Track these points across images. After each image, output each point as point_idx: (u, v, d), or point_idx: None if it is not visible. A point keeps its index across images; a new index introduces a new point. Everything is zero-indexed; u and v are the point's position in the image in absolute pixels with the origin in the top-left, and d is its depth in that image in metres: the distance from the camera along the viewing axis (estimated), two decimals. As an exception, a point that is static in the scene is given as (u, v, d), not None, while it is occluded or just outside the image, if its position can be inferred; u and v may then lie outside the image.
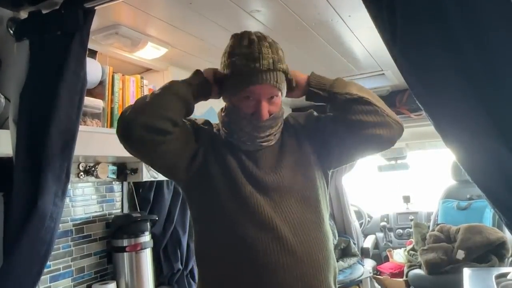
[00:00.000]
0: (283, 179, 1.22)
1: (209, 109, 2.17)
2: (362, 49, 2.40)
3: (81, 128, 1.35)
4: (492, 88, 0.78)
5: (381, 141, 1.24)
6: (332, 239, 1.26)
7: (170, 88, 1.19)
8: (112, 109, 1.85)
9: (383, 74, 3.09)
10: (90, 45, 1.48)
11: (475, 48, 0.78)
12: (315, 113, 1.39)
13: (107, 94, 1.83)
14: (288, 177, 1.23)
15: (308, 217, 1.20)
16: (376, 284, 3.85)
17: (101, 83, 1.83)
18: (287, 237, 1.13)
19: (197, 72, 1.24)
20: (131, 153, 1.20)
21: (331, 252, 1.22)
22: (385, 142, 1.26)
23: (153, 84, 2.14)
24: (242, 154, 1.24)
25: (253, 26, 1.84)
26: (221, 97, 1.30)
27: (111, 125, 1.83)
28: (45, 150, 1.17)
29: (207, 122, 1.35)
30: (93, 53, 1.83)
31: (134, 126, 1.13)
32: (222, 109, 1.33)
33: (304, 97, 1.33)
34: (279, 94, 1.23)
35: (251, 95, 1.18)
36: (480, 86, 0.78)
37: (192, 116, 1.31)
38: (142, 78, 2.03)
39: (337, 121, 1.29)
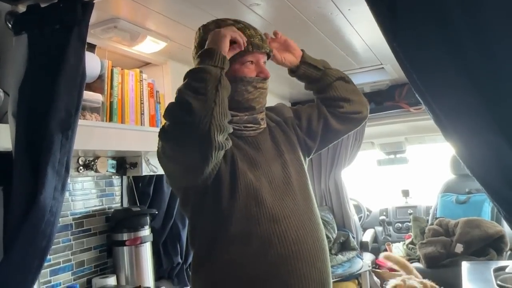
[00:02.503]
0: (288, 167, 1.31)
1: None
2: (362, 43, 2.39)
3: (81, 122, 1.35)
4: (491, 82, 0.78)
5: (361, 117, 1.45)
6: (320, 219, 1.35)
7: (220, 82, 1.16)
8: (111, 103, 1.84)
9: (383, 68, 3.08)
10: (89, 39, 1.48)
11: (475, 43, 0.78)
12: (286, 106, 1.52)
13: (106, 88, 1.83)
14: (289, 165, 1.32)
15: (309, 206, 1.29)
16: (375, 278, 3.87)
17: (100, 77, 1.82)
18: (297, 226, 1.21)
19: (213, 51, 1.19)
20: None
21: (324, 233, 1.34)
22: (363, 119, 1.46)
23: (152, 78, 2.13)
24: (241, 142, 1.29)
25: (252, 20, 1.83)
26: None
27: (110, 119, 1.82)
28: (45, 144, 1.17)
29: None
30: (92, 47, 1.82)
31: (213, 138, 1.11)
32: None
33: (301, 92, 1.36)
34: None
35: (254, 60, 1.28)
36: (480, 81, 0.78)
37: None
38: (141, 72, 2.03)
39: (320, 103, 1.45)
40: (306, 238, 1.22)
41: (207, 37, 1.24)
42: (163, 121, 1.87)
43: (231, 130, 1.20)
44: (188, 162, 1.16)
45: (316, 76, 1.44)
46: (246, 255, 1.19)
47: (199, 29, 1.33)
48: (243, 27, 1.28)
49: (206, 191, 1.21)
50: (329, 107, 1.43)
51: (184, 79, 1.19)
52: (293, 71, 1.46)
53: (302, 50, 1.45)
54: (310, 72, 1.44)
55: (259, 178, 1.24)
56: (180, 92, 1.16)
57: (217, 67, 1.16)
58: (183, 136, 1.12)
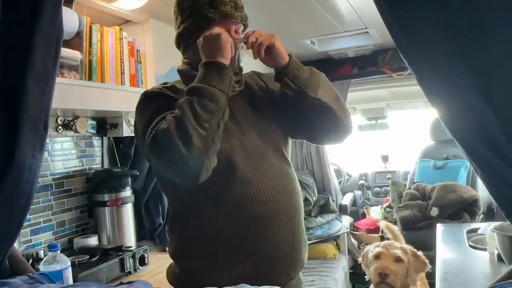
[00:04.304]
0: (264, 132, 1.30)
1: (171, 69, 2.13)
2: (347, 5, 2.36)
3: (59, 80, 1.31)
4: (477, 45, 0.78)
5: (330, 143, 1.44)
6: (298, 182, 1.35)
7: (223, 115, 1.13)
8: (90, 61, 1.79)
9: (367, 32, 3.07)
10: (66, -7, 1.42)
11: (462, 4, 0.78)
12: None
13: (84, 45, 1.77)
14: (266, 129, 1.31)
15: (284, 168, 1.30)
16: (353, 239, 3.99)
17: (78, 34, 1.76)
18: (270, 188, 1.22)
19: (223, 69, 1.14)
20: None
21: (301, 195, 1.35)
22: (333, 143, 1.44)
23: (133, 37, 2.07)
24: None
25: (236, -22, 1.78)
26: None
27: (89, 78, 1.78)
28: (22, 101, 1.14)
29: (168, 88, 1.28)
30: (69, 2, 1.75)
31: (204, 168, 1.11)
32: (183, 62, 1.35)
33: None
34: (242, 28, 1.30)
35: (224, 29, 1.21)
36: (466, 43, 0.78)
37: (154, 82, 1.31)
38: (121, 30, 1.96)
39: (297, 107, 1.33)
40: (279, 199, 1.23)
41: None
42: (143, 81, 1.84)
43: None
44: (177, 176, 1.16)
45: (292, 91, 1.29)
46: (217, 218, 1.21)
47: None
48: None
49: None
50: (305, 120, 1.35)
51: (189, 92, 1.14)
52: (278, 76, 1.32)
53: (289, 60, 1.28)
54: (287, 84, 1.29)
55: (230, 141, 1.23)
56: (183, 115, 1.08)
57: (223, 92, 1.13)
58: (173, 161, 1.10)
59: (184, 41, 1.31)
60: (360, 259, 2.31)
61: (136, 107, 1.28)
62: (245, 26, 1.32)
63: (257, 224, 1.20)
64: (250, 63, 1.47)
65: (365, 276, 2.22)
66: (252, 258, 1.20)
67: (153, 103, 1.23)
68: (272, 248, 1.21)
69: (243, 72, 1.39)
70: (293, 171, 1.36)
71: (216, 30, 1.17)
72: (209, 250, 1.24)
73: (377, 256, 2.12)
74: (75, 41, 1.76)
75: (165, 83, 1.33)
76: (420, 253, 2.12)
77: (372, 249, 2.17)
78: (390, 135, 5.02)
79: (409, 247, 2.15)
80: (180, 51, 1.37)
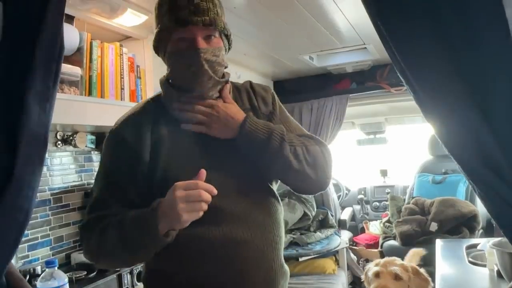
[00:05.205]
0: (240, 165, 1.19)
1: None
2: (345, 22, 2.39)
3: (59, 96, 1.31)
4: (474, 63, 0.79)
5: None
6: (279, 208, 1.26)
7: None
8: (90, 77, 1.80)
9: (365, 48, 3.09)
10: (67, 10, 1.43)
11: (459, 23, 0.79)
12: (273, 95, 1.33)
13: (85, 61, 1.79)
14: (239, 161, 1.19)
15: (262, 197, 1.22)
16: (352, 255, 3.96)
17: (79, 50, 1.78)
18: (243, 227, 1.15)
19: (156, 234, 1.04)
20: None
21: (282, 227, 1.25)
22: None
23: (133, 52, 2.09)
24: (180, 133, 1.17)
25: (236, -5, 1.81)
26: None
27: (89, 93, 1.79)
28: (22, 118, 1.14)
29: (138, 113, 1.21)
30: (70, 19, 1.77)
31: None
32: (164, 76, 1.26)
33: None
34: (217, 34, 1.16)
35: (186, 35, 1.12)
36: (462, 61, 0.79)
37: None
38: (121, 46, 1.98)
39: None
40: (253, 239, 1.14)
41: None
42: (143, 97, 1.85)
43: None
44: None
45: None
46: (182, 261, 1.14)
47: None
48: None
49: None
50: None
51: (128, 223, 1.08)
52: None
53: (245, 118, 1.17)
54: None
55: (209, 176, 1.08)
56: (101, 240, 1.10)
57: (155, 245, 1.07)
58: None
59: (158, 53, 1.23)
60: (363, 277, 2.29)
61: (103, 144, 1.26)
62: (224, 34, 1.18)
63: (232, 263, 1.12)
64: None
65: (366, 293, 2.21)
66: None
67: (109, 152, 1.21)
68: None
69: (241, 82, 1.31)
70: (275, 194, 1.26)
71: (179, 192, 1.00)
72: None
73: (377, 275, 2.11)
74: (76, 57, 1.78)
75: (138, 105, 1.27)
76: (422, 270, 2.10)
77: (372, 267, 2.16)
78: (389, 150, 5.03)
79: (410, 264, 2.13)
80: None
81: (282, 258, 1.24)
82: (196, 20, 1.10)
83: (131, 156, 1.15)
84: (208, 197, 1.01)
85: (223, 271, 1.12)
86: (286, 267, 1.25)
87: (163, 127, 1.18)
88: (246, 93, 1.30)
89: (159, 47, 1.19)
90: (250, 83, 1.33)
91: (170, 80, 1.23)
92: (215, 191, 1.02)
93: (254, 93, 1.30)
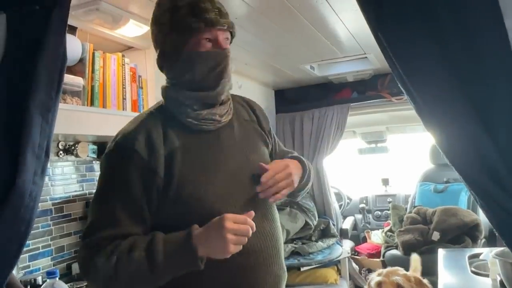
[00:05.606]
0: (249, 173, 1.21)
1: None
2: (346, 32, 2.40)
3: (61, 106, 1.32)
4: (473, 73, 0.79)
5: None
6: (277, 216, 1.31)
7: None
8: (92, 87, 1.82)
9: (366, 57, 3.11)
10: (70, 21, 1.45)
11: (458, 34, 0.79)
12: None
13: (87, 71, 1.80)
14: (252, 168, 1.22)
15: (267, 209, 1.25)
16: (354, 264, 3.94)
17: (81, 60, 1.79)
18: (257, 236, 1.15)
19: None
20: None
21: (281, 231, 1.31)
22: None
23: (135, 62, 2.10)
24: (194, 140, 1.18)
25: (236, 5, 1.82)
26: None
27: (92, 104, 1.80)
28: (24, 127, 1.15)
29: (147, 124, 1.18)
30: (73, 30, 1.79)
31: None
32: (167, 82, 1.25)
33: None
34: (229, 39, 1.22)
35: (211, 37, 1.15)
36: (462, 71, 0.79)
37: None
38: (123, 56, 2.00)
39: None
40: (264, 248, 1.18)
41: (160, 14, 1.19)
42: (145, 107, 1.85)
43: None
44: None
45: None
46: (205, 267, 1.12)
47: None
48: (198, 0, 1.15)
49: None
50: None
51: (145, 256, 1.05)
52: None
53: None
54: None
55: (215, 190, 1.14)
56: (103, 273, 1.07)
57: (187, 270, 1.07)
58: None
59: (168, 58, 1.21)
60: (365, 287, 2.28)
61: (101, 159, 1.22)
62: (232, 35, 1.22)
63: (244, 272, 1.15)
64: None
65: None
66: None
67: (119, 167, 1.15)
68: None
69: (240, 92, 1.36)
70: (275, 210, 1.31)
71: (230, 224, 1.03)
72: None
73: (379, 285, 2.09)
74: (78, 68, 1.79)
75: (141, 116, 1.24)
76: (425, 281, 2.09)
77: (375, 277, 2.15)
78: (390, 159, 5.02)
79: (413, 275, 2.12)
80: (164, 72, 1.25)
81: (283, 261, 1.28)
82: (223, 22, 1.15)
83: (146, 171, 1.11)
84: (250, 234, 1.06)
85: (236, 279, 1.14)
86: (285, 268, 1.30)
87: (174, 138, 1.16)
88: (241, 105, 1.34)
89: (173, 51, 1.18)
90: (242, 97, 1.38)
91: (176, 84, 1.21)
92: (254, 229, 1.06)
93: (250, 108, 1.36)
